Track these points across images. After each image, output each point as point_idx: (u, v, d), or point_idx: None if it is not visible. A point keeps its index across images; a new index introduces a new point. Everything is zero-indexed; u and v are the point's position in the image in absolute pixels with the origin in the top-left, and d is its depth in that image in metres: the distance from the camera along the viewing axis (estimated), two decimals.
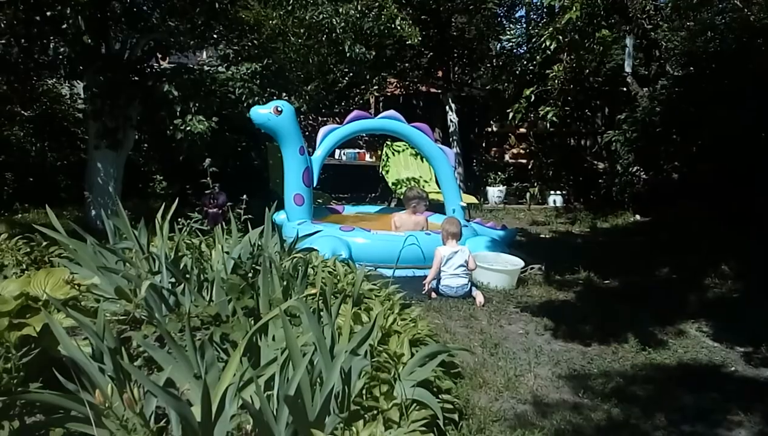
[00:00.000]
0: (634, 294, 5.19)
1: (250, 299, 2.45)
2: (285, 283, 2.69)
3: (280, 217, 6.34)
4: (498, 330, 4.26)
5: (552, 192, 10.81)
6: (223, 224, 3.11)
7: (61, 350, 2.27)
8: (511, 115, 4.67)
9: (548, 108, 4.72)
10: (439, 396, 2.73)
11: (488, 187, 11.04)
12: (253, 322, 2.51)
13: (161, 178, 9.24)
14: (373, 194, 10.71)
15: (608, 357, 3.87)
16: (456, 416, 2.72)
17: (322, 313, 2.72)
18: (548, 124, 5.37)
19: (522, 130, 11.41)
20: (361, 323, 3.18)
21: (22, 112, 8.28)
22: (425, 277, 5.18)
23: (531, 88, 4.47)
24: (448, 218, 5.72)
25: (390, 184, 9.10)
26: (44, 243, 4.35)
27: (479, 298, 4.91)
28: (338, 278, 4.04)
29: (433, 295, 5.07)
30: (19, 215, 7.14)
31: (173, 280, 3.40)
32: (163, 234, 3.53)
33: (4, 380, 2.15)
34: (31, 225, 4.01)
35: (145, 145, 8.76)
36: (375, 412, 2.47)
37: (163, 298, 3.26)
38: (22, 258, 4.17)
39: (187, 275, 3.39)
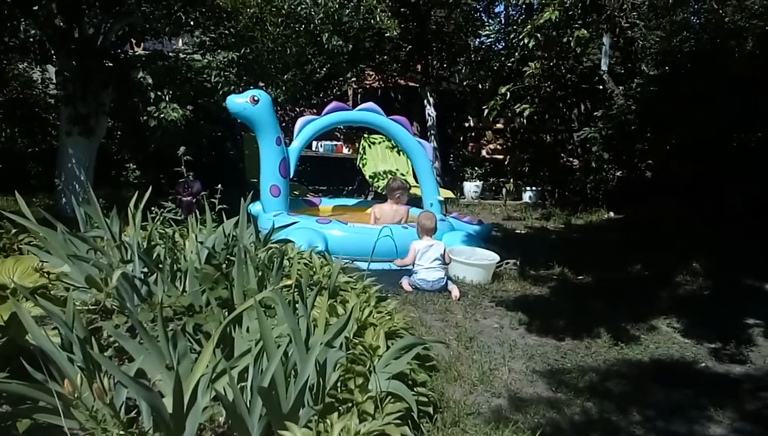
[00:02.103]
0: (608, 290, 5.24)
1: (224, 290, 2.41)
2: (260, 273, 2.66)
3: (255, 208, 6.28)
4: (473, 324, 4.27)
5: (528, 188, 10.88)
6: (197, 212, 3.06)
7: (29, 340, 2.21)
8: (486, 111, 4.68)
9: (524, 105, 4.75)
10: (414, 389, 2.73)
11: (465, 182, 11.08)
12: (227, 313, 2.48)
13: (134, 167, 9.09)
14: (351, 187, 10.67)
15: (581, 352, 3.90)
16: (431, 409, 2.72)
17: (297, 305, 2.69)
18: (524, 121, 5.40)
19: (499, 125, 11.46)
20: (336, 315, 3.16)
21: None
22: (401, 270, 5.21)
23: (507, 86, 4.48)
24: (424, 213, 5.72)
25: (367, 177, 9.08)
26: (13, 231, 4.24)
27: (455, 292, 4.92)
28: (314, 270, 4.01)
29: (406, 286, 5.05)
30: None
31: (146, 269, 3.34)
32: (135, 223, 3.46)
33: None
34: (0, 212, 3.90)
35: (119, 132, 8.59)
36: (350, 405, 2.46)
37: (135, 287, 3.20)
38: None
39: (160, 265, 3.33)
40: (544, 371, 3.57)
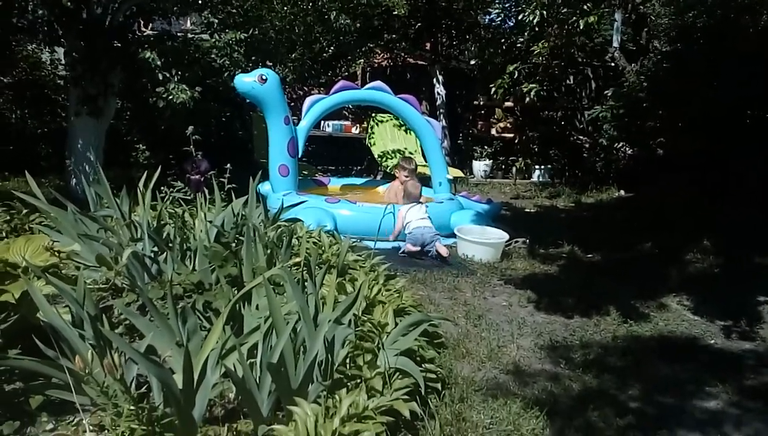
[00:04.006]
0: (617, 268, 5.23)
1: (233, 268, 2.43)
2: (269, 252, 2.67)
3: (264, 188, 6.29)
4: (482, 302, 4.28)
5: (537, 167, 10.83)
6: (206, 191, 3.07)
7: (41, 317, 2.24)
8: (493, 90, 4.65)
9: (531, 85, 4.72)
10: (423, 365, 2.75)
11: (474, 161, 11.03)
12: (236, 290, 2.49)
13: (144, 147, 9.10)
14: (360, 167, 10.65)
15: (590, 329, 3.91)
16: (439, 386, 2.74)
17: (306, 283, 2.71)
18: (535, 99, 5.37)
19: (509, 103, 11.36)
20: (345, 292, 3.18)
21: (1, 78, 8.09)
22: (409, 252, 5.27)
23: (514, 65, 4.45)
24: (410, 181, 5.92)
25: (376, 157, 9.05)
26: (24, 211, 4.28)
27: (443, 250, 5.18)
28: (323, 248, 4.02)
29: (410, 247, 5.28)
30: None
31: (155, 248, 3.37)
32: (145, 202, 3.48)
33: None
34: (11, 193, 3.93)
35: (128, 113, 8.60)
36: (358, 381, 2.48)
37: (145, 266, 3.23)
38: (2, 226, 4.10)
39: (170, 244, 3.36)
40: (552, 347, 3.58)
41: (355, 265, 3.69)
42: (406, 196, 5.75)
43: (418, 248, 5.32)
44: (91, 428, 1.91)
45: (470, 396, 2.82)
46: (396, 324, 2.89)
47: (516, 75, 4.59)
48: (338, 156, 10.66)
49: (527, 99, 9.46)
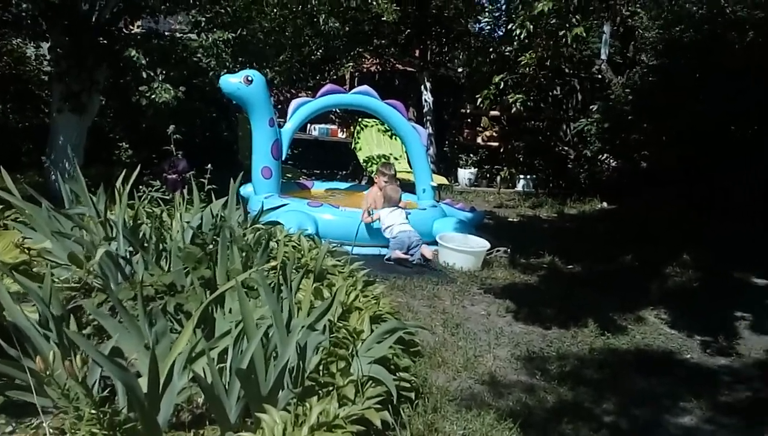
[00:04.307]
0: (598, 280, 5.24)
1: (207, 270, 2.39)
2: (244, 254, 2.63)
3: (247, 190, 6.24)
4: (460, 310, 4.27)
5: (522, 176, 10.86)
6: (184, 190, 3.03)
7: (5, 315, 2.19)
8: (480, 100, 4.65)
9: (518, 95, 4.73)
10: (397, 374, 2.72)
11: (459, 169, 11.04)
12: (209, 293, 2.46)
13: (127, 146, 9.00)
14: (345, 172, 10.62)
15: (567, 340, 3.90)
16: (412, 395, 2.72)
17: (282, 287, 2.67)
18: (521, 108, 5.38)
19: (495, 113, 11.40)
20: (322, 298, 3.15)
21: None
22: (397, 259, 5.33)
23: (501, 75, 4.45)
24: (391, 186, 5.91)
25: (361, 162, 9.02)
26: (0, 207, 4.20)
27: (428, 252, 5.35)
28: (302, 252, 3.99)
29: (397, 254, 5.32)
30: None
31: (131, 248, 3.32)
32: (122, 201, 3.43)
33: None
34: None
35: (112, 111, 8.51)
36: (330, 388, 2.45)
37: (118, 266, 3.18)
38: None
39: (146, 244, 3.31)
40: (529, 358, 3.57)
41: (333, 270, 3.66)
42: (386, 200, 5.74)
43: (405, 255, 5.31)
44: (51, 431, 1.86)
45: (444, 406, 2.79)
46: (372, 331, 2.86)
47: (502, 85, 4.58)
48: (324, 160, 10.61)
49: (513, 109, 9.49)
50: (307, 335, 2.36)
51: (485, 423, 2.67)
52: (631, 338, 3.99)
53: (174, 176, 2.76)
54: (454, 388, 3.02)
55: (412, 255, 5.35)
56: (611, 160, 9.74)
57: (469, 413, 2.78)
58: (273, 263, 2.46)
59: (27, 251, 2.62)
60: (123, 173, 3.92)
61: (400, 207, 5.72)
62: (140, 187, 4.22)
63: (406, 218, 5.61)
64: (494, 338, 3.82)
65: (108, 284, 3.23)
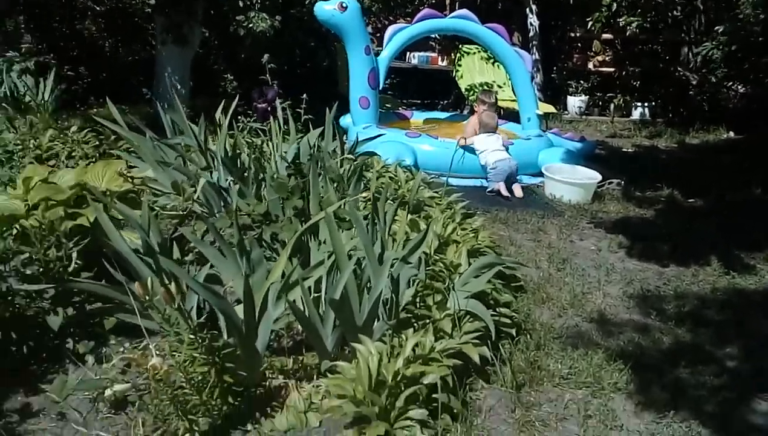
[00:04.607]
0: (721, 215, 4.79)
1: (299, 200, 2.33)
2: (336, 185, 2.55)
3: (346, 120, 6.17)
4: (568, 245, 4.03)
5: (638, 103, 10.07)
6: (274, 118, 2.96)
7: (111, 243, 2.24)
8: (590, 23, 4.23)
9: (631, 18, 4.26)
10: (497, 309, 2.59)
11: (569, 97, 10.38)
12: (303, 223, 2.40)
13: (231, 77, 9.15)
14: (446, 101, 10.30)
15: (686, 279, 3.60)
16: (513, 331, 2.58)
17: (376, 218, 2.57)
18: (637, 31, 4.88)
19: (608, 36, 10.54)
20: (418, 229, 3.03)
21: (95, 6, 8.24)
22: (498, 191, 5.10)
23: None
24: (487, 112, 5.63)
25: (463, 90, 8.68)
26: (113, 137, 4.36)
27: (518, 191, 5.05)
28: (399, 183, 3.87)
29: (500, 188, 5.06)
30: (94, 110, 7.25)
31: (231, 178, 3.34)
32: (221, 131, 3.44)
33: (56, 267, 2.15)
34: (94, 119, 4.01)
35: (215, 42, 8.63)
36: (427, 321, 2.36)
37: (220, 194, 3.21)
38: (90, 151, 4.21)
39: (245, 173, 3.30)
40: (642, 297, 3.32)
41: (430, 202, 3.52)
42: (482, 126, 5.48)
43: (506, 192, 5.05)
44: (156, 353, 1.90)
45: (548, 344, 2.65)
46: (470, 265, 2.73)
47: (615, 7, 4.13)
48: (424, 89, 10.32)
49: (628, 31, 8.73)
50: (400, 268, 2.26)
51: (593, 363, 2.51)
52: (759, 278, 3.62)
53: (264, 105, 2.69)
54: (559, 325, 2.86)
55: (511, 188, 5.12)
56: (738, 86, 8.80)
57: (576, 352, 2.61)
58: (365, 194, 2.36)
59: (131, 180, 2.67)
60: (222, 104, 3.94)
61: (497, 133, 5.44)
62: (239, 117, 4.24)
63: (505, 146, 5.32)
64: (605, 275, 3.58)
65: (211, 211, 3.29)
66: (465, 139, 5.37)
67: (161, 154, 3.47)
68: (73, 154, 4.18)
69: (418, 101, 10.22)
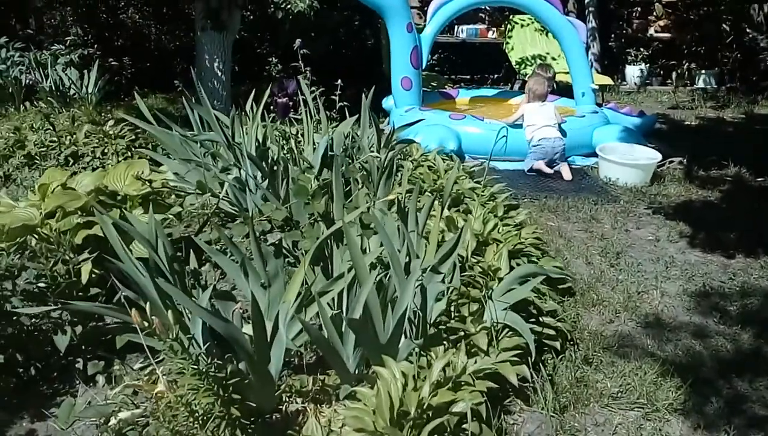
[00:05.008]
0: None
1: (320, 204, 2.16)
2: (361, 185, 2.36)
3: (388, 102, 5.95)
4: (623, 235, 3.73)
5: (702, 71, 9.42)
6: (296, 113, 2.78)
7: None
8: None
9: None
10: (540, 318, 2.36)
11: (627, 66, 9.80)
12: (327, 228, 2.23)
13: (276, 60, 9.04)
14: (497, 75, 9.91)
15: (754, 273, 3.27)
16: (558, 344, 2.35)
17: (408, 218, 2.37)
18: None
19: None
20: (455, 228, 2.82)
21: None
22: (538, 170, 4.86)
23: None
24: (534, 77, 5.39)
25: (514, 64, 8.29)
26: (147, 131, 4.30)
27: (566, 173, 4.77)
28: (438, 173, 3.65)
29: (540, 165, 4.84)
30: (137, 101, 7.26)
31: (259, 174, 3.19)
32: (253, 123, 3.29)
33: (65, 282, 2.05)
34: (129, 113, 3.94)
35: (260, 26, 8.51)
36: (462, 334, 2.16)
37: (248, 191, 3.08)
38: (123, 148, 4.17)
39: (275, 167, 3.15)
40: (704, 295, 3.02)
41: (471, 194, 3.29)
42: (530, 94, 5.20)
43: (551, 170, 4.80)
44: (165, 375, 1.78)
45: (597, 355, 2.41)
46: (510, 268, 2.51)
47: None
48: (472, 63, 9.93)
49: None
50: (430, 278, 2.06)
51: (646, 380, 2.26)
52: None
53: (284, 100, 2.51)
54: (610, 332, 2.61)
55: (552, 168, 4.85)
56: None
57: (628, 365, 2.37)
58: (392, 196, 2.16)
59: (149, 183, 2.56)
60: (253, 93, 3.80)
61: (546, 103, 5.14)
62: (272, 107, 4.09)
63: (556, 117, 5.01)
64: (663, 269, 3.28)
65: (240, 209, 3.17)
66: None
67: (190, 151, 3.35)
68: (106, 151, 4.14)
69: (467, 77, 9.86)
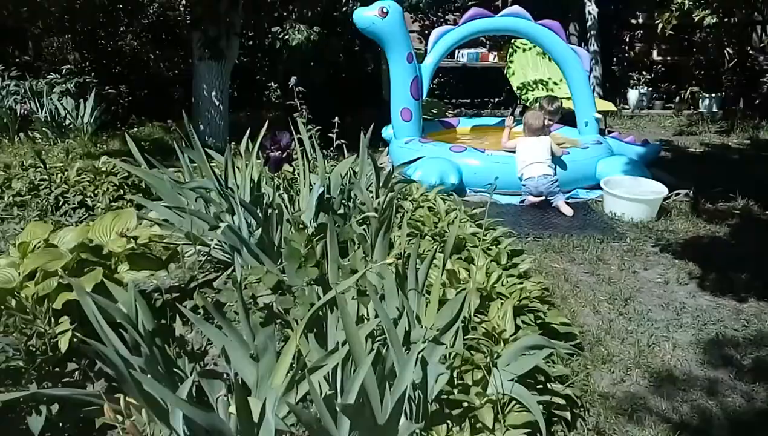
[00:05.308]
0: None
1: (313, 268, 2.03)
2: (356, 246, 2.23)
3: (388, 132, 5.85)
4: (631, 278, 3.59)
5: (706, 94, 9.33)
6: (290, 165, 2.67)
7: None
8: (660, 26, 3.77)
9: (704, 12, 3.80)
10: (548, 385, 2.22)
11: (630, 90, 9.73)
12: (321, 293, 2.11)
13: (276, 85, 8.96)
14: (498, 99, 9.83)
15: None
16: (568, 414, 2.21)
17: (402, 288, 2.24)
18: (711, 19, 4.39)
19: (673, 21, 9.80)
20: (457, 281, 2.69)
21: (140, 19, 8.17)
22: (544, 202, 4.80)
23: None
24: (531, 112, 5.31)
25: (515, 88, 8.21)
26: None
27: (565, 209, 4.65)
28: (439, 215, 3.52)
29: (531, 199, 4.79)
30: (135, 129, 7.18)
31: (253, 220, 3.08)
32: (247, 167, 3.18)
33: (40, 357, 1.92)
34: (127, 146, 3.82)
35: (259, 53, 8.44)
36: (466, 405, 2.02)
37: (242, 240, 2.96)
38: (113, 187, 4.07)
39: (269, 212, 3.03)
40: (717, 344, 2.88)
41: (473, 239, 3.16)
42: (525, 127, 5.11)
43: (542, 198, 4.75)
44: None
45: (609, 424, 2.27)
46: (516, 328, 2.37)
47: (687, 6, 3.67)
48: (473, 88, 9.86)
49: (702, 20, 8.05)
50: (431, 349, 1.93)
51: None
52: None
53: (277, 154, 2.39)
54: (622, 394, 2.47)
55: (550, 200, 4.78)
56: None
57: (642, 432, 2.23)
58: (390, 261, 2.03)
59: (134, 240, 2.43)
60: (246, 136, 3.69)
61: (541, 137, 5.00)
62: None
63: (547, 152, 4.86)
64: (674, 317, 3.15)
65: (233, 259, 3.05)
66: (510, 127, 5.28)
67: (182, 195, 3.24)
68: (97, 190, 4.03)
69: (468, 100, 9.78)
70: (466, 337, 2.26)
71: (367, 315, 2.16)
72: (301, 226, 2.32)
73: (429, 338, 1.93)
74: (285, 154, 2.41)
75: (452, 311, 2.07)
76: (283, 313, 2.16)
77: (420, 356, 1.91)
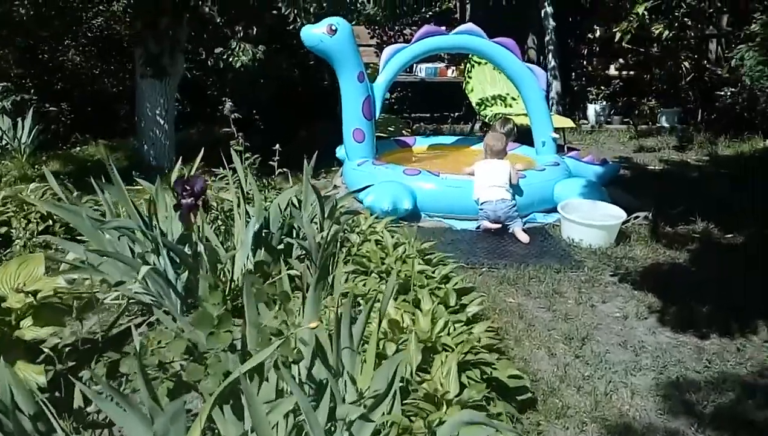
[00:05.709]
0: (766, 255, 4.15)
1: (226, 333, 1.79)
2: (278, 308, 1.99)
3: (342, 151, 5.63)
4: (588, 313, 3.42)
5: (664, 109, 9.35)
6: (205, 212, 2.42)
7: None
8: (618, 35, 3.65)
9: (659, 26, 3.70)
10: None
11: (588, 105, 9.69)
12: (238, 360, 1.86)
13: (228, 99, 8.68)
14: (457, 114, 9.69)
15: (731, 358, 2.99)
16: None
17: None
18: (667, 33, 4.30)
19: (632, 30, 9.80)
20: (400, 331, 2.47)
21: (85, 31, 7.80)
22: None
23: (644, 3, 3.39)
24: (493, 133, 5.15)
25: (473, 104, 8.08)
26: (75, 194, 3.88)
27: (521, 236, 4.48)
28: (386, 250, 3.31)
29: (486, 224, 4.61)
30: (78, 149, 6.81)
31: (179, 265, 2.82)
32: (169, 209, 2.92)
33: None
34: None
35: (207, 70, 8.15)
36: None
37: (169, 283, 2.71)
38: (37, 219, 3.76)
39: (198, 256, 2.77)
40: (677, 388, 2.73)
41: (420, 278, 2.95)
42: (487, 151, 4.94)
43: (498, 225, 4.58)
44: None
45: None
46: (461, 387, 2.16)
47: (646, 18, 3.55)
48: (432, 102, 9.72)
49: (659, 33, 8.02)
50: (360, 427, 1.70)
51: None
52: None
53: (189, 200, 2.15)
54: None
55: (507, 226, 4.61)
56: None
57: None
58: (314, 325, 1.80)
59: (33, 296, 2.16)
60: (178, 163, 3.43)
61: (500, 161, 4.83)
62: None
63: (505, 176, 4.69)
64: (632, 358, 2.98)
65: (160, 302, 2.79)
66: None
67: (104, 235, 2.96)
68: (19, 223, 3.72)
69: (427, 115, 9.63)
70: (404, 402, 2.04)
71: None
72: (222, 277, 2.08)
73: (358, 414, 1.70)
74: (200, 200, 2.16)
75: (388, 374, 1.85)
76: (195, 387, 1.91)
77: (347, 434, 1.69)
